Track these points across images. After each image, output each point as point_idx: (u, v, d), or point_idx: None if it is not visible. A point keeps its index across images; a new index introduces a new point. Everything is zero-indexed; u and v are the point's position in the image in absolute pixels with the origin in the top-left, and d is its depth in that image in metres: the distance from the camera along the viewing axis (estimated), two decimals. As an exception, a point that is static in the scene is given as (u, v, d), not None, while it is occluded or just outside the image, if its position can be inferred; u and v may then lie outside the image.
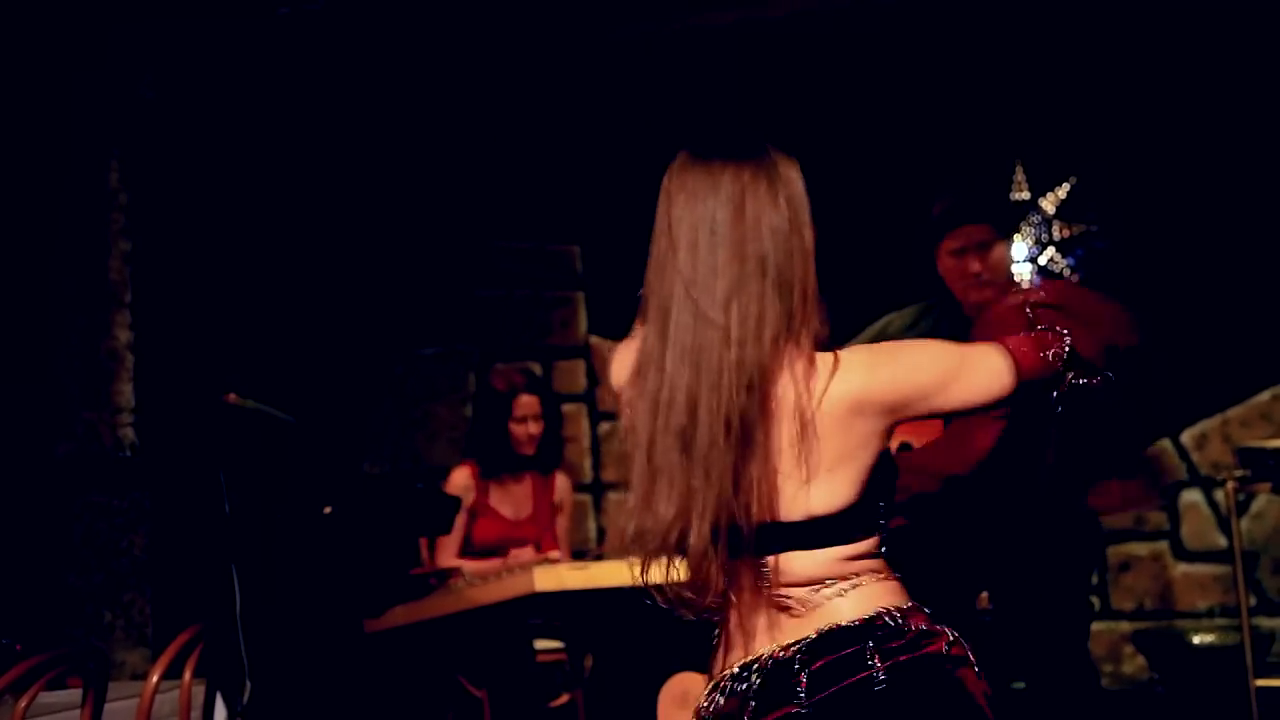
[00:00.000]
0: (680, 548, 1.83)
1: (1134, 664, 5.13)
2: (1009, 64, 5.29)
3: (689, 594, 1.86)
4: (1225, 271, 5.06)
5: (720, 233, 1.86)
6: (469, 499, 4.48)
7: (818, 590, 1.83)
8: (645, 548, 1.87)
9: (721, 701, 1.92)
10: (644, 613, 4.13)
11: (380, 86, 5.19)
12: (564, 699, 4.34)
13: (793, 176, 1.89)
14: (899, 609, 1.86)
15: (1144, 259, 5.28)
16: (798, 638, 1.83)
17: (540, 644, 4.45)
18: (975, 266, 3.77)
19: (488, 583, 4.01)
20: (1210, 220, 5.15)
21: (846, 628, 1.81)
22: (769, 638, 1.86)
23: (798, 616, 1.83)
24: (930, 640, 1.85)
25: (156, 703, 2.72)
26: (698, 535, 1.80)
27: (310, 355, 5.16)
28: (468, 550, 4.53)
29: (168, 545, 4.20)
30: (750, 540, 1.79)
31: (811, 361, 1.82)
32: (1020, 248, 5.48)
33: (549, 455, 4.62)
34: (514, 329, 5.81)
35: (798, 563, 1.82)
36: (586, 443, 5.83)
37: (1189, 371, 5.14)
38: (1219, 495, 5.14)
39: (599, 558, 5.55)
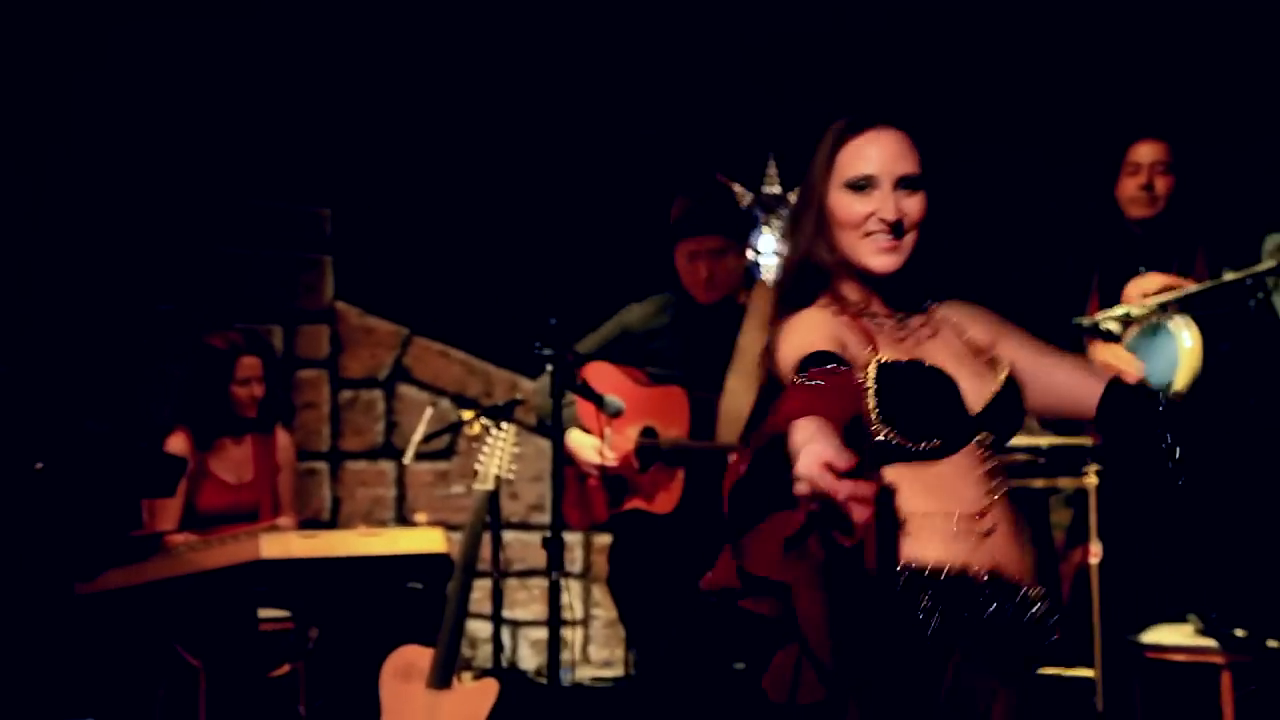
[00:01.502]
0: None
1: (851, 648, 5.32)
2: (764, 59, 5.41)
3: None
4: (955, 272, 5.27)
5: None
6: (188, 466, 4.33)
7: None
8: None
9: None
10: (371, 584, 4.08)
11: (135, 32, 4.97)
12: (285, 669, 4.24)
13: None
14: None
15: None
16: None
17: (265, 613, 4.34)
18: (704, 273, 3.87)
19: (210, 547, 3.89)
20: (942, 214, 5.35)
21: None
22: None
23: None
24: None
25: None
26: None
27: (38, 304, 4.90)
28: (191, 519, 4.38)
29: None
30: None
31: None
32: (769, 240, 5.61)
33: (269, 417, 4.52)
34: (258, 290, 5.63)
35: None
36: (326, 410, 5.71)
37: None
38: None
39: (331, 526, 5.47)
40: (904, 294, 2.13)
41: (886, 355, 2.03)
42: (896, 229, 2.05)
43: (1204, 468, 2.17)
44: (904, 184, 2.07)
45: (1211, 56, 5.03)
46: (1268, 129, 4.92)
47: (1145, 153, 4.43)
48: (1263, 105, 4.95)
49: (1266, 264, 4.38)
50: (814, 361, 1.87)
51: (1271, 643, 4.24)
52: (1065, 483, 4.04)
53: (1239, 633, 4.16)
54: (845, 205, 2.07)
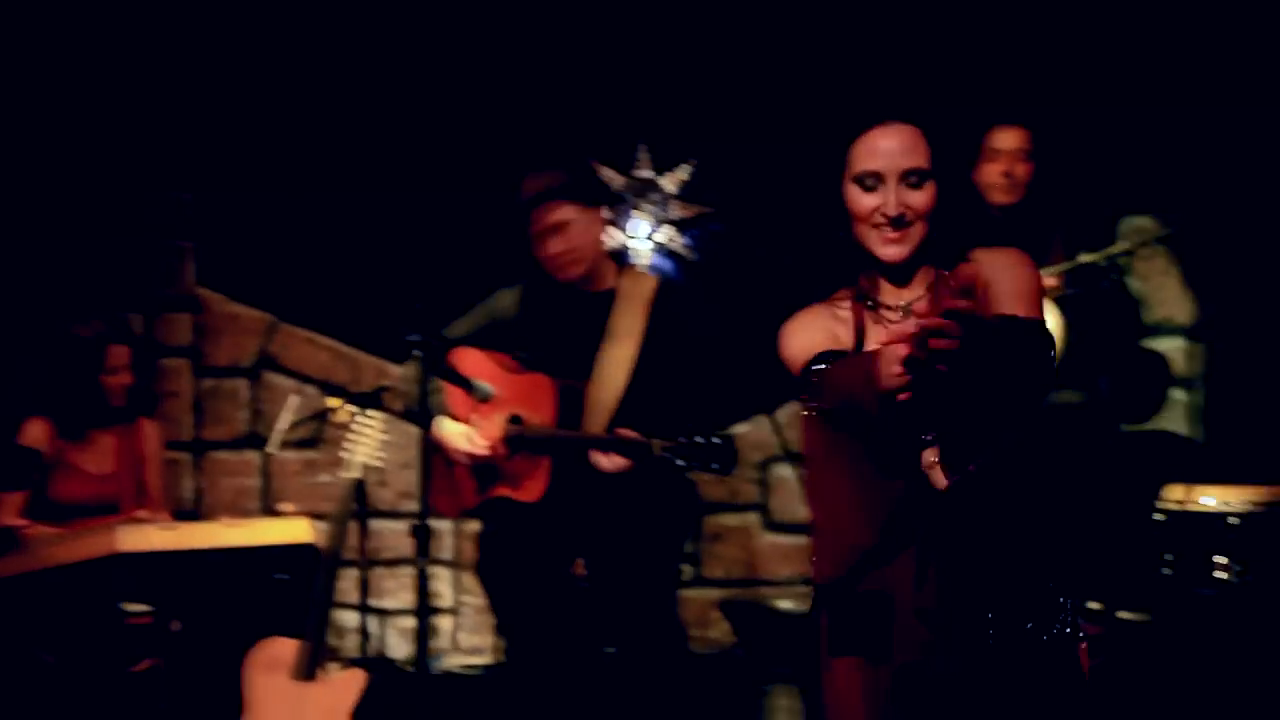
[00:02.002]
0: None
1: (721, 629, 5.37)
2: (637, 44, 5.41)
3: None
4: (822, 261, 5.33)
5: None
6: (45, 456, 4.22)
7: None
8: None
9: None
10: (236, 576, 4.00)
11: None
12: (148, 664, 4.15)
13: None
14: None
15: (754, 242, 5.51)
16: None
17: (125, 607, 4.24)
18: (553, 248, 3.84)
19: (66, 540, 3.79)
20: (815, 208, 5.41)
21: None
22: None
23: None
24: None
25: None
26: None
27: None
28: (48, 510, 4.26)
29: None
30: None
31: None
32: (640, 225, 5.62)
33: (135, 406, 4.43)
34: (117, 277, 5.49)
35: None
36: (190, 398, 5.59)
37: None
38: (807, 471, 5.43)
39: (195, 517, 5.37)
40: (908, 283, 2.24)
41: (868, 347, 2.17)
42: (898, 222, 2.17)
43: (1054, 443, 2.24)
44: (909, 178, 2.17)
45: (1069, 42, 5.14)
46: (1124, 113, 5.06)
47: (1006, 139, 4.52)
48: (1118, 89, 5.08)
49: (1120, 246, 4.52)
50: (822, 360, 2.12)
51: (1122, 614, 4.38)
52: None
53: (1092, 605, 4.28)
54: (855, 199, 2.21)
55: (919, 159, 2.17)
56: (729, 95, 5.43)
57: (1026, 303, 2.15)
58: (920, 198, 2.17)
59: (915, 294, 2.23)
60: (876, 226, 2.19)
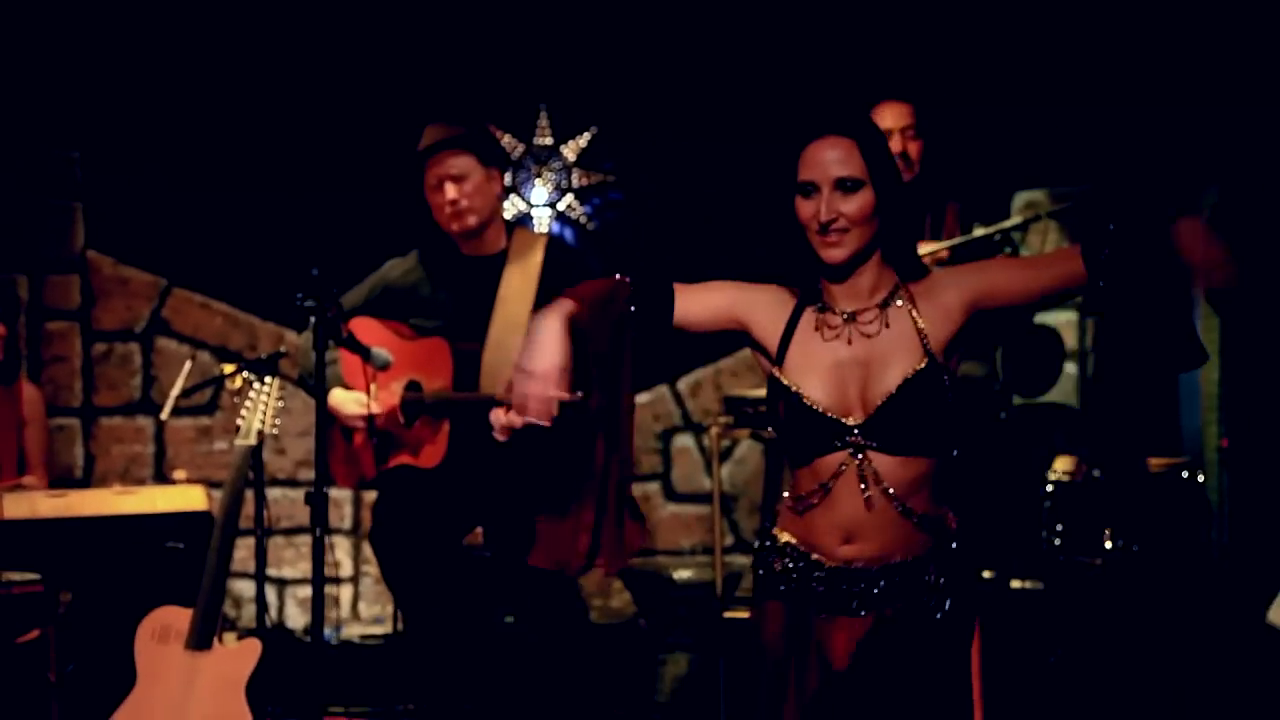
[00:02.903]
0: None
1: (621, 599, 5.39)
2: (537, 7, 5.37)
3: None
4: (721, 231, 5.36)
5: None
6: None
7: None
8: None
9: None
10: (127, 545, 3.93)
11: None
12: (34, 634, 4.06)
13: None
14: None
15: (655, 209, 5.52)
16: None
17: (11, 575, 4.14)
18: (450, 195, 3.80)
19: (-54, 510, 3.69)
20: (714, 179, 5.43)
21: None
22: None
23: None
24: None
25: None
26: None
27: None
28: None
29: None
30: None
31: None
32: (540, 192, 5.59)
33: (13, 369, 4.31)
34: (1, 237, 5.34)
35: None
36: (78, 363, 5.47)
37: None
38: (707, 441, 5.47)
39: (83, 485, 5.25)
40: (858, 291, 2.34)
41: (794, 365, 2.32)
42: (826, 228, 2.28)
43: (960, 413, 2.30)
44: (840, 186, 2.28)
45: (956, 18, 5.19)
46: (1016, 87, 5.12)
47: (889, 116, 4.52)
48: (1010, 65, 5.14)
49: (1014, 220, 4.58)
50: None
51: (1015, 583, 4.47)
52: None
53: (985, 574, 4.36)
54: (799, 207, 2.32)
55: (851, 169, 2.29)
56: (630, 62, 5.42)
57: (1017, 260, 2.33)
58: (852, 204, 2.28)
59: (863, 303, 2.34)
60: (816, 232, 2.30)
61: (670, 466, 5.62)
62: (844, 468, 2.28)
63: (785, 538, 2.36)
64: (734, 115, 5.36)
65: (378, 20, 5.35)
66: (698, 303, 2.38)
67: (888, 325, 2.31)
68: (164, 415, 4.15)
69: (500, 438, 3.64)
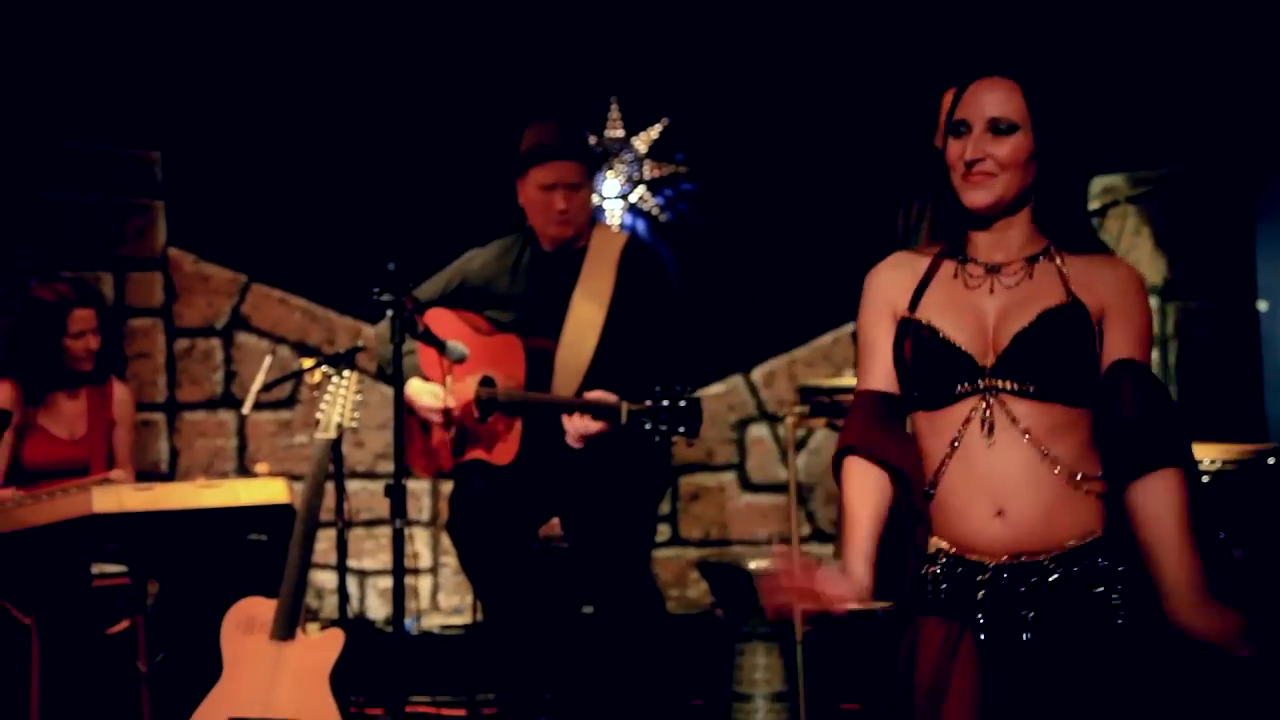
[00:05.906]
0: None
1: (698, 589, 5.39)
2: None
3: None
4: (794, 222, 5.34)
5: None
6: (14, 419, 4.17)
7: None
8: None
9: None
10: (211, 537, 3.99)
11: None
12: (124, 625, 4.14)
13: None
14: None
15: (726, 203, 5.51)
16: None
17: (101, 568, 4.23)
18: (561, 204, 3.82)
19: (39, 501, 3.77)
20: (787, 170, 5.41)
21: None
22: None
23: None
24: None
25: None
26: None
27: None
28: (18, 475, 4.23)
29: None
30: None
31: None
32: (612, 184, 5.60)
33: (105, 368, 4.39)
34: (84, 236, 5.44)
35: None
36: (162, 360, 5.56)
37: (762, 312, 5.42)
38: (782, 431, 5.45)
39: (167, 479, 5.34)
40: (1005, 244, 2.19)
41: (929, 305, 2.17)
42: (974, 165, 2.14)
43: None
44: (994, 128, 2.14)
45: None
46: (1093, 66, 5.05)
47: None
48: (1085, 44, 5.07)
49: (1092, 205, 4.52)
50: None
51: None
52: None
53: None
54: (949, 148, 2.18)
55: (1008, 110, 2.14)
56: (702, 52, 5.41)
57: (1142, 346, 2.14)
58: (1003, 147, 2.14)
59: (1009, 256, 2.18)
60: (961, 174, 2.16)
61: (745, 457, 5.61)
62: (973, 413, 2.09)
63: (937, 543, 2.15)
64: (807, 105, 5.34)
65: (450, 14, 5.37)
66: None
67: (1031, 277, 2.16)
68: (245, 410, 4.21)
69: (574, 445, 3.68)
